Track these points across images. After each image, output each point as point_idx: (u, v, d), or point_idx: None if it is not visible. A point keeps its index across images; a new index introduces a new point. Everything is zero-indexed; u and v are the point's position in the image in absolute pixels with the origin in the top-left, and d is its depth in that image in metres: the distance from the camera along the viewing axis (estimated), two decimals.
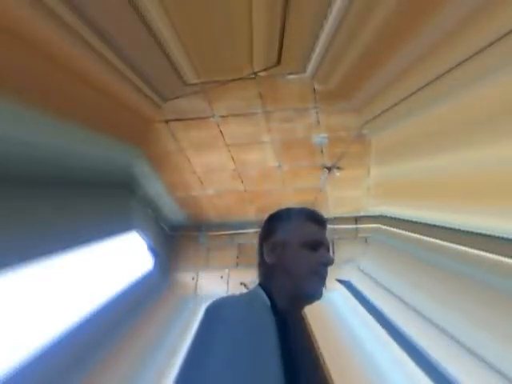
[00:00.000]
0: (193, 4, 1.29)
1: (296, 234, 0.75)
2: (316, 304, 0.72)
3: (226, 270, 2.82)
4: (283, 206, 0.87)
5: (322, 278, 0.71)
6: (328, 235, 0.78)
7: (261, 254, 0.80)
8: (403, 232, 2.26)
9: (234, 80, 1.76)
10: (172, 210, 2.90)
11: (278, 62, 1.65)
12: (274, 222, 0.83)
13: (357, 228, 2.85)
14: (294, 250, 0.72)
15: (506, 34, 0.98)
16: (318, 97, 1.90)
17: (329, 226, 0.77)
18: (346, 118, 2.04)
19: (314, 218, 0.78)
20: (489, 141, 1.26)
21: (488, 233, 1.50)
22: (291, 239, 0.74)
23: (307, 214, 0.80)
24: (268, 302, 0.66)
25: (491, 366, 1.31)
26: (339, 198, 2.73)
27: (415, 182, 1.93)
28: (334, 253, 2.76)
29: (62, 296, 1.63)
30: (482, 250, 1.49)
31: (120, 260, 2.25)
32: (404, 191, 2.16)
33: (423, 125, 1.59)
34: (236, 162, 2.41)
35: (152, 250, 2.72)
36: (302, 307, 0.73)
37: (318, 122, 2.08)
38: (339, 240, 2.81)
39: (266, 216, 0.88)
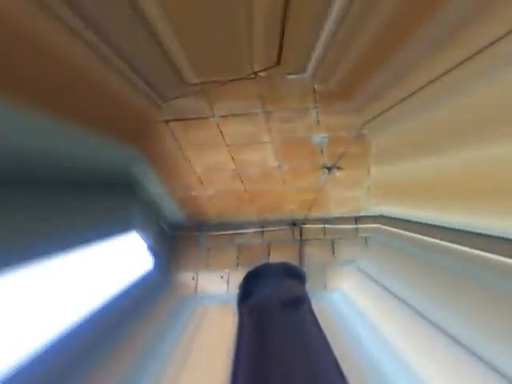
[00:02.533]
0: (193, 4, 1.29)
1: (275, 292, 0.70)
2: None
3: (226, 270, 2.82)
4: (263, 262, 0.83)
5: None
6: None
7: (240, 315, 0.75)
8: (403, 232, 2.26)
9: (233, 80, 1.76)
10: (172, 210, 2.90)
11: (278, 62, 1.65)
12: (252, 282, 0.79)
13: (357, 228, 2.85)
14: (273, 309, 0.68)
15: (506, 34, 0.98)
16: (317, 97, 1.90)
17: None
18: (346, 118, 2.04)
19: (293, 274, 0.75)
20: (489, 141, 1.26)
21: (488, 233, 1.49)
22: (270, 299, 0.70)
23: (285, 270, 0.77)
24: None
25: (491, 366, 1.31)
26: (339, 198, 2.73)
27: (415, 182, 1.93)
28: (334, 253, 2.76)
29: (61, 296, 1.63)
30: (482, 250, 1.49)
31: (120, 260, 2.25)
32: (404, 191, 2.15)
33: (423, 125, 1.59)
34: (236, 162, 2.41)
35: (152, 249, 2.72)
36: None
37: (318, 122, 2.08)
38: (339, 240, 2.81)
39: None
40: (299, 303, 0.69)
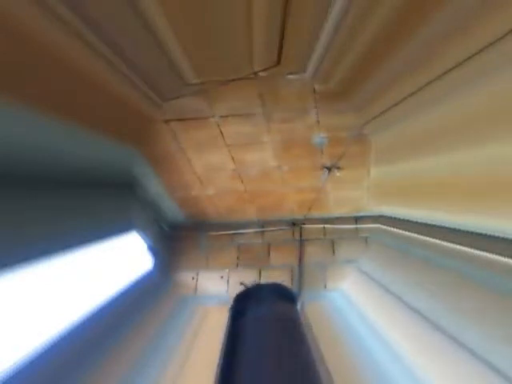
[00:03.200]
0: (193, 4, 1.29)
1: (265, 314, 0.71)
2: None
3: (226, 270, 2.82)
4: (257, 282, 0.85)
5: None
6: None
7: (230, 334, 0.76)
8: (403, 232, 2.26)
9: (234, 80, 1.76)
10: (172, 210, 2.90)
11: (278, 61, 1.65)
12: (243, 304, 0.81)
13: (357, 228, 2.85)
14: (264, 328, 0.68)
15: (506, 34, 0.98)
16: (317, 97, 1.90)
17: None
18: (345, 118, 2.04)
19: (284, 295, 0.77)
20: (489, 141, 1.26)
21: (488, 233, 1.49)
22: (261, 319, 0.71)
23: (276, 291, 0.78)
24: None
25: (491, 366, 1.31)
26: (339, 197, 2.73)
27: (415, 181, 1.93)
28: (334, 253, 2.76)
29: (61, 296, 1.63)
30: (482, 250, 1.49)
31: (120, 260, 2.25)
32: (404, 191, 2.15)
33: (423, 125, 1.59)
34: (236, 162, 2.41)
35: (152, 249, 2.72)
36: None
37: (318, 122, 2.08)
38: (339, 240, 2.81)
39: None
40: (289, 323, 0.71)
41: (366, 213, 2.85)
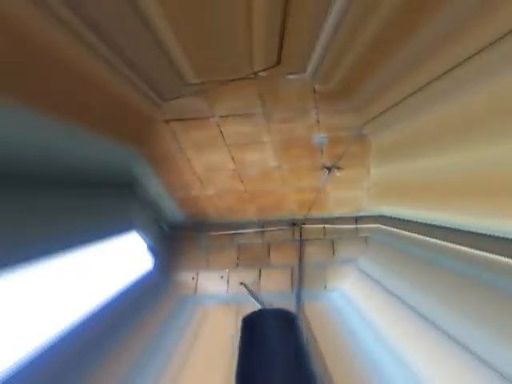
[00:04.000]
0: (193, 4, 1.29)
1: (271, 339, 0.74)
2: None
3: (226, 270, 2.82)
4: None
5: None
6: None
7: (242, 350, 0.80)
8: (403, 232, 2.26)
9: (234, 80, 1.76)
10: (172, 210, 2.90)
11: (278, 61, 1.65)
12: (249, 329, 0.84)
13: (357, 228, 2.85)
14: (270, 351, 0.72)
15: (506, 34, 0.98)
16: (317, 97, 1.90)
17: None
18: (346, 118, 2.04)
19: (287, 319, 0.80)
20: (489, 141, 1.26)
21: (488, 233, 1.49)
22: (267, 345, 0.74)
23: (279, 315, 0.82)
24: None
25: (491, 366, 1.31)
26: (339, 198, 2.73)
27: (415, 182, 1.93)
28: (334, 253, 2.76)
29: (61, 296, 1.63)
30: (482, 250, 1.49)
31: (120, 260, 2.25)
32: (404, 191, 2.15)
33: (423, 125, 1.59)
34: (236, 162, 2.41)
35: (152, 249, 2.72)
36: None
37: (318, 122, 2.08)
38: (339, 240, 2.81)
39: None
40: (293, 345, 0.75)
41: (365, 213, 2.85)
